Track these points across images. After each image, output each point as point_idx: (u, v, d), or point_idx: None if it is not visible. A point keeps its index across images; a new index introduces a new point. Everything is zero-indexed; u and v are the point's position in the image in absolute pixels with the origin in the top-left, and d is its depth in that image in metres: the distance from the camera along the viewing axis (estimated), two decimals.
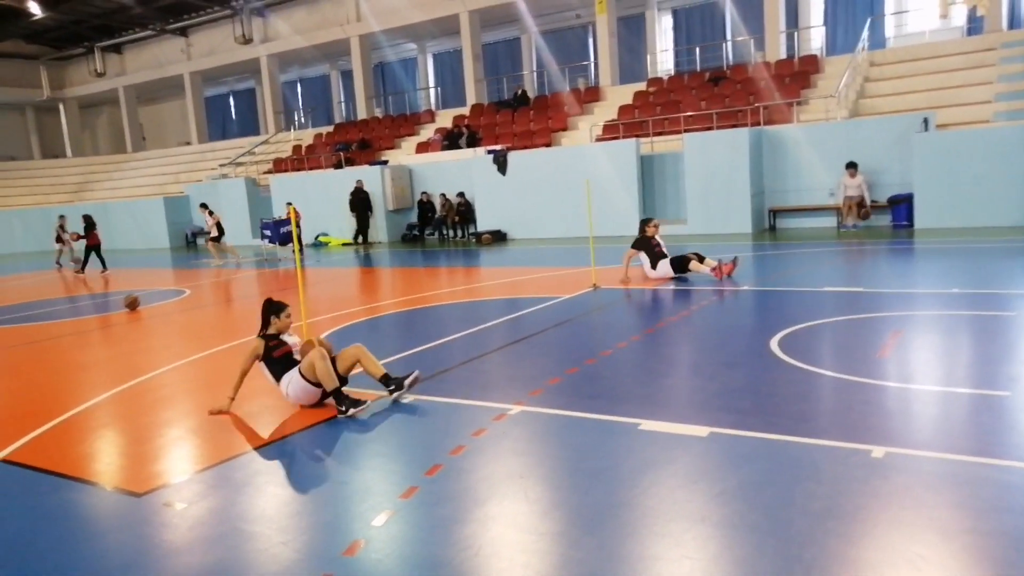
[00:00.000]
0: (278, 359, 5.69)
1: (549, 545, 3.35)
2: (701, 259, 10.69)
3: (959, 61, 18.77)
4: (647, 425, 4.76)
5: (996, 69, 17.93)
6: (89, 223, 19.55)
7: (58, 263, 21.43)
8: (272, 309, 5.81)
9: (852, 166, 15.96)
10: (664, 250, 10.99)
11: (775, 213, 17.64)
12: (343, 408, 5.36)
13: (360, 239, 21.76)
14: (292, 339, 5.90)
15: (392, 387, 5.66)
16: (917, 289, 8.99)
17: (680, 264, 10.73)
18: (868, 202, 15.96)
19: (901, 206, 15.72)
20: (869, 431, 4.43)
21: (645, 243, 11.02)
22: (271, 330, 5.81)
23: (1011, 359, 5.80)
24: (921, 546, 3.12)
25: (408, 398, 5.72)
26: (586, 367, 6.36)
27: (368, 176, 22.06)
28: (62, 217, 22.53)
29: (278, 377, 5.68)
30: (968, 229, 14.45)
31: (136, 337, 9.60)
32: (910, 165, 15.59)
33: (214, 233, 19.33)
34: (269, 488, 4.28)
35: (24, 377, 7.62)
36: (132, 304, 11.59)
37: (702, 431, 4.59)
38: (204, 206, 21.02)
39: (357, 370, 5.84)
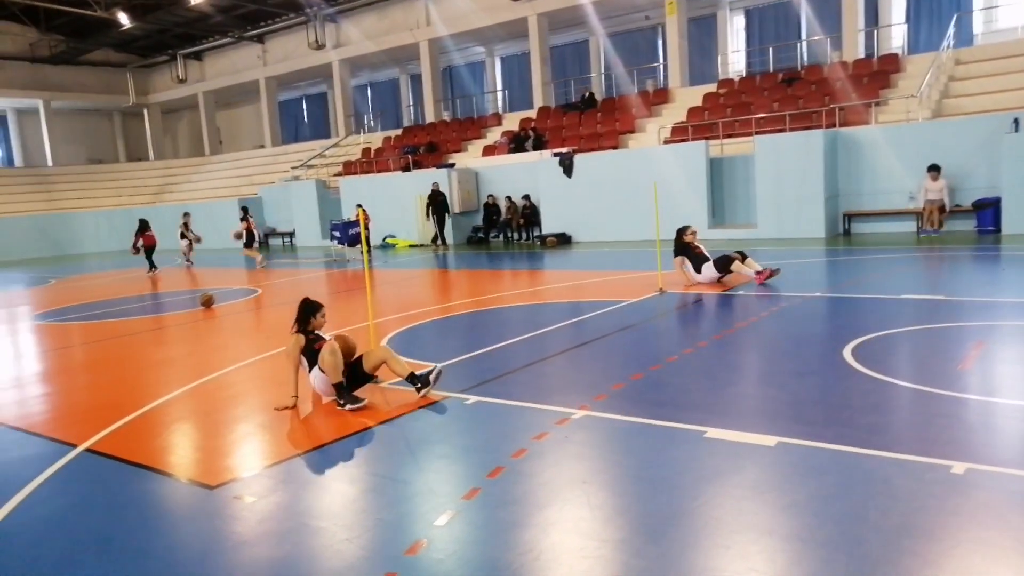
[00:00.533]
0: (316, 351, 5.96)
1: (611, 552, 3.31)
2: (744, 258, 10.60)
3: None
4: (713, 433, 4.66)
5: None
6: (143, 225, 20.37)
7: (188, 260, 21.73)
8: (311, 309, 6.12)
9: (934, 169, 15.32)
10: (706, 253, 10.89)
11: (850, 217, 17.08)
12: (341, 401, 5.69)
13: (438, 241, 21.76)
14: (326, 336, 6.21)
15: (419, 384, 5.84)
16: (1002, 298, 8.56)
17: (724, 264, 10.59)
18: (949, 207, 15.29)
19: (987, 211, 15.01)
20: (948, 445, 4.24)
21: (686, 249, 10.93)
22: (310, 327, 6.10)
23: None
24: (1003, 568, 2.96)
25: (471, 400, 5.75)
26: (651, 373, 6.28)
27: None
28: (187, 215, 22.48)
29: (311, 367, 6.01)
30: None
31: (210, 334, 9.94)
32: (998, 168, 14.89)
33: (245, 239, 19.91)
34: (334, 485, 4.36)
35: (106, 371, 7.97)
36: (207, 302, 12.00)
37: (770, 440, 4.47)
38: (245, 209, 21.54)
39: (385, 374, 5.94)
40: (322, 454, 4.86)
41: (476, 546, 3.46)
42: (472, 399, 5.77)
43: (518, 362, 6.96)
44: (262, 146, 37.14)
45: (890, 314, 8.08)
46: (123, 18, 30.42)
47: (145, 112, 41.60)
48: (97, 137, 42.56)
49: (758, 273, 10.44)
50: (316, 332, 6.14)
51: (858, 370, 5.86)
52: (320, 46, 32.30)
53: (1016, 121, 14.87)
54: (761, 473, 4.05)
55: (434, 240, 21.85)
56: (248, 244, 19.95)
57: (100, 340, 9.83)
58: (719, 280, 10.66)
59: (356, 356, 6.09)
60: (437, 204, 21.51)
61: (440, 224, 21.65)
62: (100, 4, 29.85)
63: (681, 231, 11.08)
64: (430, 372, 5.89)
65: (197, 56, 37.83)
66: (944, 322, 7.43)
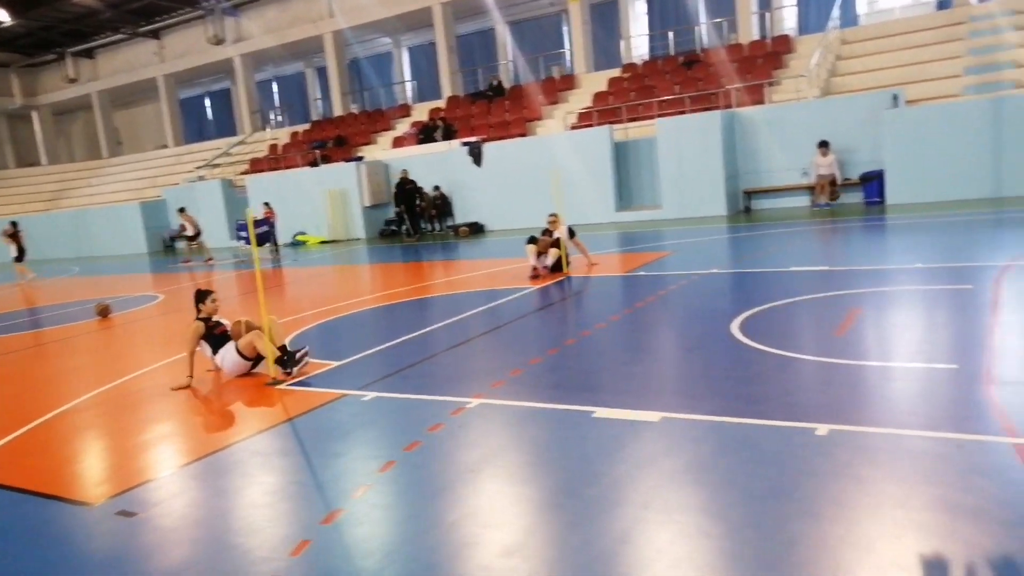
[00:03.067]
0: (218, 336, 6.68)
1: (497, 536, 3.38)
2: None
3: (929, 36, 18.88)
4: (601, 412, 4.80)
5: (965, 43, 18.04)
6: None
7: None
8: (200, 297, 6.80)
9: (824, 145, 16.05)
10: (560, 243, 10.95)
11: (749, 195, 17.71)
12: (288, 371, 6.36)
13: (410, 232, 20.78)
14: (224, 321, 6.88)
15: (288, 359, 6.44)
16: (881, 265, 9.07)
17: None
18: (839, 180, 16.05)
19: (872, 183, 15.83)
20: (816, 409, 4.49)
21: (544, 235, 11.04)
22: (203, 314, 6.75)
23: (962, 332, 5.88)
24: (851, 524, 3.17)
25: (369, 396, 5.74)
26: (549, 357, 6.40)
27: (343, 173, 21.99)
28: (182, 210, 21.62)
29: (215, 351, 6.64)
30: (939, 203, 14.57)
31: (101, 346, 9.56)
32: (881, 142, 15.69)
33: (190, 232, 20.09)
34: (222, 492, 4.29)
35: None
36: (103, 312, 11.53)
37: (655, 416, 4.63)
38: (182, 210, 21.04)
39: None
40: (212, 461, 4.77)
41: (362, 543, 3.47)
42: (370, 395, 5.76)
43: (420, 355, 6.98)
44: (164, 146, 35.78)
45: (779, 286, 8.45)
46: (2, 14, 28.69)
47: (34, 114, 39.43)
48: None
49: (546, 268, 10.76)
50: (216, 319, 6.75)
51: (743, 343, 6.12)
52: (220, 41, 31.28)
53: (895, 97, 15.69)
54: (643, 449, 4.19)
55: (408, 232, 20.83)
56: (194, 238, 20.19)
57: None
58: (550, 270, 10.78)
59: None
60: (406, 192, 20.66)
61: (410, 213, 20.69)
62: None
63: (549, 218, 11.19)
64: (297, 350, 6.51)
65: (88, 54, 36.06)
66: (827, 291, 7.83)
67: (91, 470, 4.87)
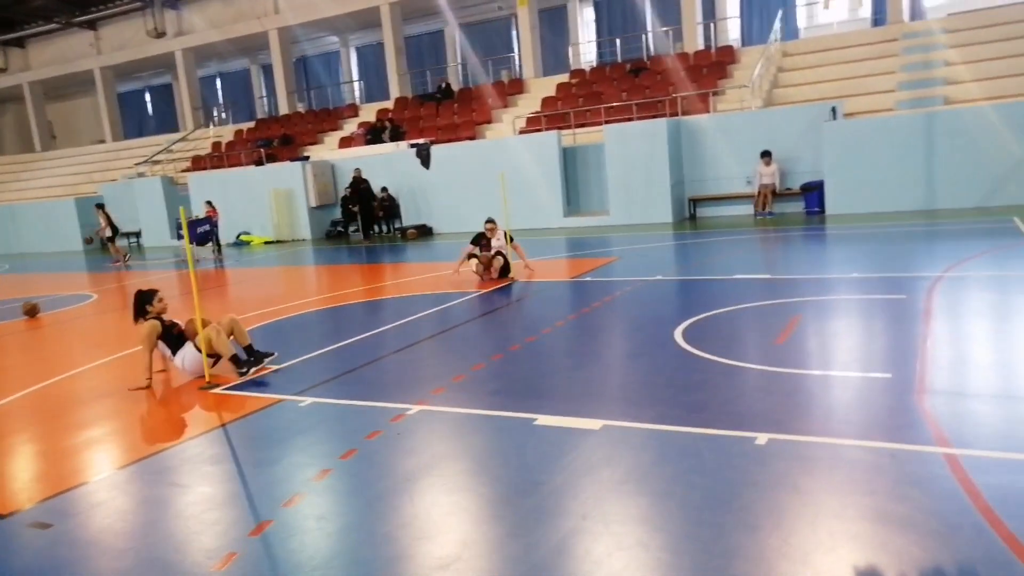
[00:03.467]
0: (176, 336, 6.48)
1: (429, 548, 3.29)
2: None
3: (864, 52, 19.43)
4: (543, 420, 4.75)
5: (898, 60, 18.63)
6: None
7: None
8: (146, 298, 6.51)
9: (766, 154, 16.37)
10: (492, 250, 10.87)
11: (695, 202, 17.96)
12: (244, 371, 6.27)
13: (365, 233, 20.35)
14: (179, 321, 6.70)
15: (251, 359, 6.43)
16: (821, 275, 9.26)
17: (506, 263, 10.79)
18: (779, 190, 16.39)
19: (813, 193, 16.20)
20: (755, 418, 4.52)
21: (481, 239, 11.01)
22: (152, 314, 6.47)
23: (897, 341, 6.01)
24: (788, 534, 3.18)
25: (306, 401, 5.59)
26: (492, 363, 6.33)
27: (288, 173, 21.57)
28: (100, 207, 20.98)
29: (174, 351, 6.45)
30: (875, 214, 14.99)
31: (27, 346, 9.14)
32: (821, 153, 16.07)
33: (108, 233, 19.81)
34: (144, 503, 4.10)
35: None
36: (31, 311, 11.05)
37: (595, 424, 4.60)
38: (100, 207, 20.63)
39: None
40: (138, 468, 4.56)
41: (292, 555, 3.34)
42: (307, 401, 5.60)
43: (361, 359, 6.83)
44: (102, 141, 34.57)
45: (722, 294, 8.54)
46: None
47: None
48: None
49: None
50: (168, 318, 6.56)
51: (686, 350, 6.15)
52: (160, 34, 30.41)
53: (834, 110, 16.10)
54: (583, 457, 4.15)
55: (364, 232, 20.38)
56: (112, 239, 19.89)
57: None
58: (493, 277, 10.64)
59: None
60: (360, 192, 20.03)
61: (364, 214, 20.09)
62: None
63: (486, 223, 11.11)
64: (267, 354, 6.51)
65: (19, 43, 34.63)
66: (769, 299, 7.94)
67: (6, 478, 4.61)
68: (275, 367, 6.61)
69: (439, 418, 5.03)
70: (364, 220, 20.27)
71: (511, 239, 11.06)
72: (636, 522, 3.40)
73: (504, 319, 8.45)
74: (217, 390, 6.06)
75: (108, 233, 19.86)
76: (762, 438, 4.17)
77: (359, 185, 20.12)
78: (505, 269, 10.74)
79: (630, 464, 4.01)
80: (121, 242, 21.14)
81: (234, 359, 6.30)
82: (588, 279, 10.38)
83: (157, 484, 4.34)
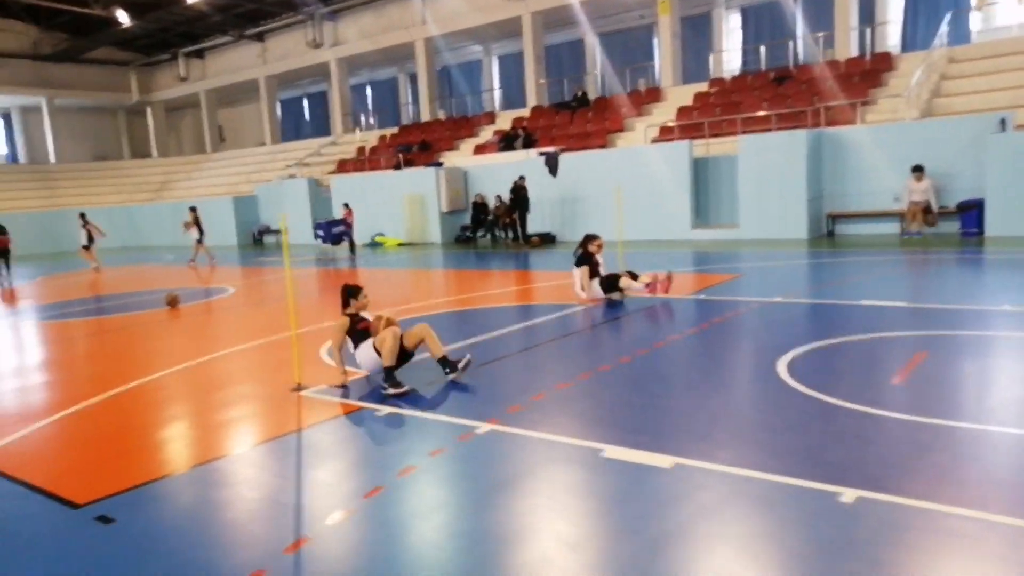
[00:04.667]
0: (361, 331, 6.48)
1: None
2: (635, 276, 9.78)
3: None
4: (611, 452, 4.48)
5: None
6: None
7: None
8: (351, 293, 6.65)
9: (918, 169, 15.02)
10: (601, 269, 10.02)
11: (834, 218, 16.78)
12: (385, 385, 5.97)
13: (516, 238, 20.19)
14: (367, 315, 6.69)
15: (447, 369, 6.23)
16: (964, 305, 8.30)
17: (610, 284, 9.82)
18: (935, 208, 14.98)
19: (971, 212, 14.70)
20: (846, 471, 4.02)
21: (588, 260, 9.97)
22: (351, 310, 6.57)
23: (1013, 387, 5.23)
24: None
25: (384, 411, 5.59)
26: (579, 382, 6.10)
27: (423, 178, 22.18)
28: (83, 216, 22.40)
29: (356, 346, 6.45)
30: None
31: (162, 335, 9.82)
32: (983, 169, 14.55)
33: (84, 241, 21.09)
34: (193, 507, 4.20)
35: (30, 376, 7.88)
36: (172, 302, 11.91)
37: (667, 462, 4.27)
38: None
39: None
40: (203, 471, 4.70)
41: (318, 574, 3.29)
42: (385, 410, 5.61)
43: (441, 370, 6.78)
44: (263, 143, 37.13)
45: (842, 322, 7.84)
46: (122, 16, 30.45)
47: (148, 110, 41.73)
48: (102, 134, 42.74)
49: (647, 286, 9.67)
50: (360, 313, 6.60)
51: (786, 384, 5.64)
52: (318, 45, 32.24)
53: (1003, 121, 14.53)
54: (645, 497, 3.85)
55: (516, 238, 20.17)
56: (87, 247, 21.22)
57: (51, 341, 9.75)
58: (604, 298, 9.90)
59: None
60: (520, 199, 19.92)
61: (522, 219, 19.90)
62: (99, 2, 29.91)
63: (589, 239, 10.09)
64: (459, 360, 6.25)
65: (199, 54, 37.87)
66: (895, 330, 7.20)
67: (81, 472, 4.89)
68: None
69: (507, 440, 4.86)
70: (522, 225, 19.97)
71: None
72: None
73: (603, 336, 8.17)
74: (305, 392, 6.20)
75: (85, 241, 21.17)
76: (849, 495, 3.70)
77: (520, 192, 19.86)
78: (614, 285, 10.06)
79: (692, 506, 3.67)
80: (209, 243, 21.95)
81: (387, 371, 6.01)
82: (703, 297, 9.87)
83: (214, 488, 4.45)
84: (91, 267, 20.87)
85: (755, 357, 6.65)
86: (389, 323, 6.33)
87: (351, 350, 6.51)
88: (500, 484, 4.21)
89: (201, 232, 21.12)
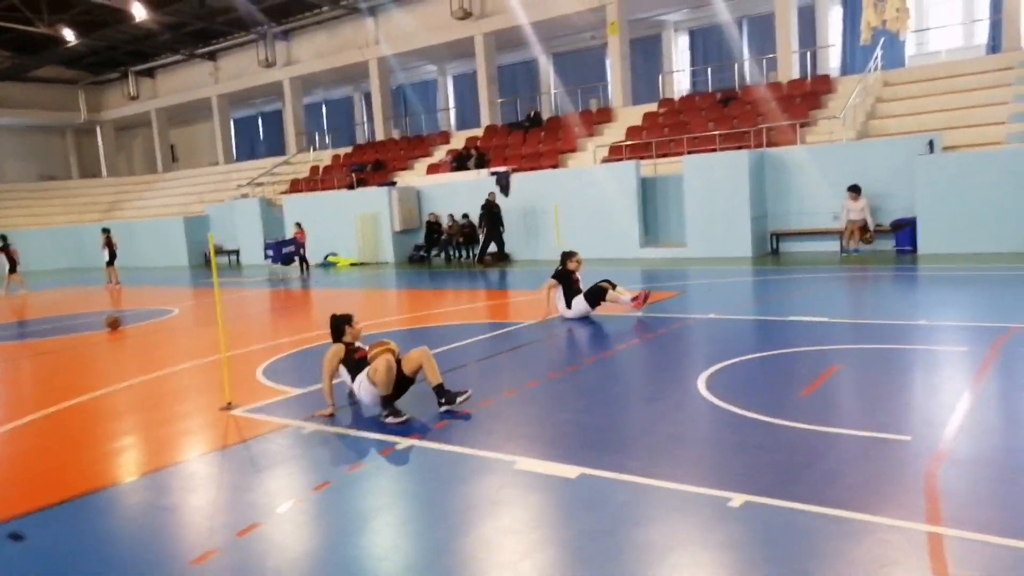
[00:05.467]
0: (357, 361, 6.05)
1: None
2: (614, 286, 9.80)
3: (975, 81, 18.21)
4: (524, 464, 4.61)
5: (1013, 89, 17.33)
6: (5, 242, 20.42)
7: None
8: (344, 320, 6.23)
9: (854, 189, 15.54)
10: (580, 286, 9.98)
11: (778, 236, 17.26)
12: (384, 413, 5.64)
13: (488, 256, 19.99)
14: (362, 344, 6.29)
15: (443, 399, 5.84)
16: (884, 320, 8.65)
17: (595, 296, 9.78)
18: (872, 226, 15.51)
19: (904, 231, 15.24)
20: (738, 478, 4.22)
21: (565, 277, 9.95)
22: (347, 339, 6.18)
23: (936, 399, 5.51)
24: None
25: (310, 428, 5.66)
26: (502, 400, 6.23)
27: (375, 197, 22.24)
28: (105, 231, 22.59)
29: (354, 378, 6.04)
30: (972, 255, 13.92)
31: (98, 357, 9.73)
32: (915, 189, 15.12)
33: (107, 258, 21.21)
34: (93, 530, 4.23)
35: None
36: (113, 324, 11.77)
37: (573, 472, 4.42)
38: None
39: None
40: (129, 485, 4.73)
41: None
42: (310, 428, 5.67)
43: None
44: (216, 163, 36.80)
45: (768, 337, 8.12)
46: (68, 34, 30.04)
47: (98, 129, 41.08)
48: (49, 154, 41.91)
49: (633, 299, 9.70)
50: (354, 343, 6.21)
51: (703, 397, 5.84)
52: (270, 64, 32.16)
53: (931, 143, 15.14)
54: (552, 506, 3.99)
55: (481, 257, 20.02)
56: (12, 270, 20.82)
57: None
58: (588, 315, 9.89)
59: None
60: (492, 216, 19.69)
61: (494, 237, 19.81)
62: (44, 20, 29.49)
63: (566, 256, 10.11)
64: (459, 393, 5.88)
65: (149, 73, 37.48)
66: (816, 345, 7.48)
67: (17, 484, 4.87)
68: (300, 390, 6.73)
69: (426, 454, 4.97)
70: (495, 241, 19.90)
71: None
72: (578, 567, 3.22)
73: (538, 353, 8.32)
74: (235, 411, 6.23)
75: (106, 257, 21.21)
76: (738, 499, 3.88)
77: (492, 209, 19.76)
78: (596, 300, 9.87)
79: (595, 514, 3.82)
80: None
81: (384, 400, 5.70)
82: (641, 314, 10.09)
83: (125, 508, 4.48)
84: (109, 284, 20.87)
85: (678, 372, 6.86)
86: (387, 350, 5.88)
87: (346, 380, 6.13)
88: (409, 495, 4.32)
89: (112, 255, 21.16)
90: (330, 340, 6.27)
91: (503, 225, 19.98)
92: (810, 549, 3.37)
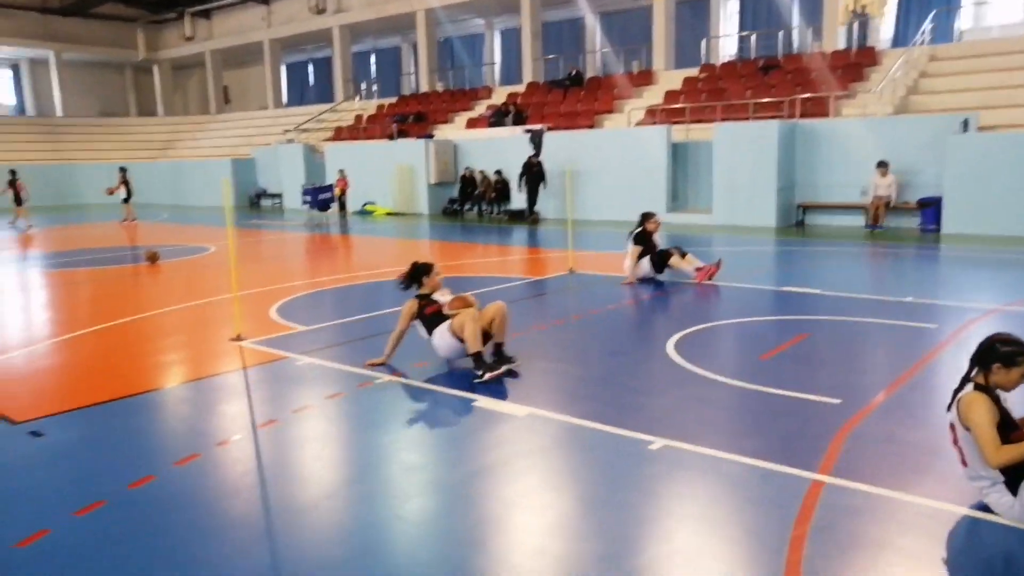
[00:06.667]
0: (429, 316, 5.99)
1: (308, 494, 3.81)
2: (683, 255, 9.90)
3: (1021, 59, 17.73)
4: (482, 403, 5.13)
5: None
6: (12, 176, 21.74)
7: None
8: (423, 271, 6.10)
9: (882, 165, 15.48)
10: (656, 247, 10.03)
11: (805, 209, 17.27)
12: (479, 372, 5.56)
13: (527, 214, 20.28)
14: (443, 297, 6.16)
15: (496, 358, 5.81)
16: (873, 295, 8.87)
17: (662, 260, 9.91)
18: (895, 202, 15.46)
19: (929, 209, 15.17)
20: (667, 425, 4.67)
21: (642, 238, 10.02)
22: (424, 290, 6.10)
23: (882, 369, 5.84)
24: (633, 526, 3.42)
25: (303, 360, 6.26)
26: (486, 347, 6.71)
27: (412, 149, 22.70)
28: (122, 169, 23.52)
29: (430, 332, 5.98)
30: (996, 238, 13.83)
31: (136, 287, 10.52)
32: (944, 168, 14.99)
33: (123, 195, 22.09)
34: (120, 426, 4.89)
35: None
36: (152, 258, 12.59)
37: (523, 411, 4.92)
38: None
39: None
40: (140, 398, 5.39)
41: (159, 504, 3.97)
42: (304, 360, 6.27)
43: (379, 329, 7.44)
44: (265, 107, 37.60)
45: (754, 305, 8.45)
46: None
47: (155, 68, 42.18)
48: (109, 90, 43.27)
49: (698, 270, 9.72)
50: (431, 295, 6.09)
51: (667, 356, 6.26)
52: (321, 11, 32.57)
53: (966, 122, 14.93)
54: (501, 439, 4.51)
55: (528, 213, 20.21)
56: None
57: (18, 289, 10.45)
58: (654, 278, 9.97)
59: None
60: (532, 174, 20.02)
61: (533, 195, 20.04)
62: None
63: (646, 217, 10.15)
64: (512, 357, 5.84)
65: (205, 15, 38.22)
66: (794, 314, 7.80)
67: (25, 397, 5.58)
68: (307, 327, 7.33)
69: (400, 389, 5.52)
70: (531, 200, 20.23)
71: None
72: (501, 499, 3.75)
73: (533, 307, 8.78)
74: (244, 343, 6.86)
75: (123, 194, 22.04)
76: (658, 443, 4.34)
77: (532, 169, 20.07)
78: (663, 264, 9.92)
79: (518, 449, 4.33)
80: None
81: (476, 356, 5.63)
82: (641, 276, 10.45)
83: (133, 414, 5.14)
84: (124, 220, 21.80)
85: (653, 332, 7.28)
86: (465, 304, 5.90)
87: (422, 335, 6.04)
88: (375, 422, 4.88)
89: (129, 192, 22.11)
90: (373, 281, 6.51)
91: (545, 183, 20.19)
92: (704, 487, 3.82)
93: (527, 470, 4.06)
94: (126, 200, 22.15)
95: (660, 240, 10.24)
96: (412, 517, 3.59)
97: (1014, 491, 3.38)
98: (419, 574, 3.06)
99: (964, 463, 3.56)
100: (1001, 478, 3.42)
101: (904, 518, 3.47)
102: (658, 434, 4.47)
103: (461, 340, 5.71)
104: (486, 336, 5.80)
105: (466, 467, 4.11)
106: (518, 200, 20.87)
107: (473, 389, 5.40)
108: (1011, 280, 9.77)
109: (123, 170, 22.92)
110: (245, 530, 3.49)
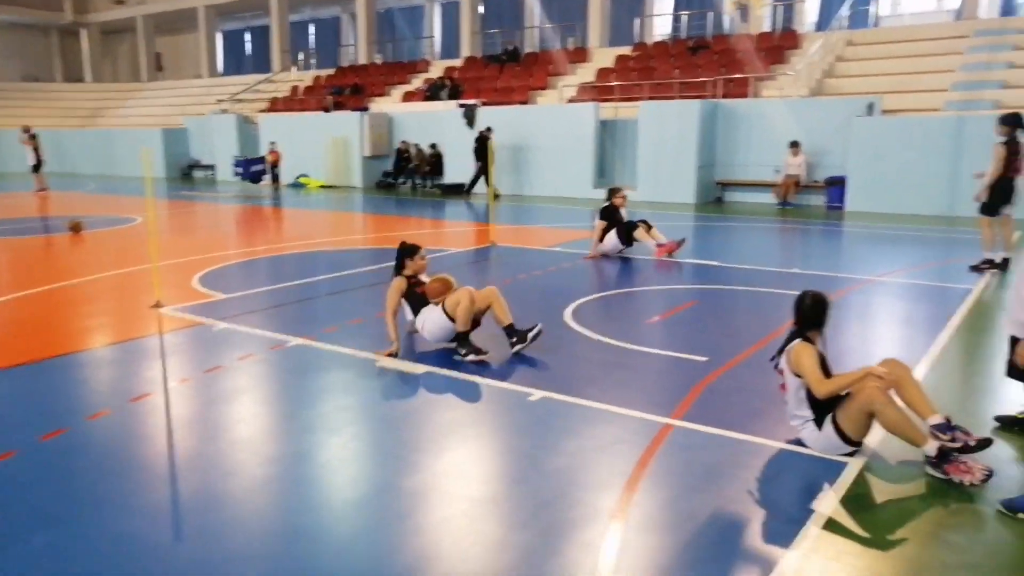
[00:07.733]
0: (420, 296, 5.92)
1: (226, 451, 4.20)
2: (649, 228, 10.09)
3: (930, 47, 18.78)
4: (384, 363, 5.56)
5: (961, 58, 17.95)
6: None
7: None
8: (407, 252, 6.03)
9: (795, 144, 16.31)
10: (622, 222, 10.14)
11: (723, 186, 18.06)
12: (463, 351, 5.56)
13: (470, 189, 20.16)
14: (424, 278, 6.10)
15: (514, 339, 5.73)
16: (764, 266, 9.56)
17: (628, 232, 10.01)
18: (804, 181, 16.35)
19: (835, 187, 16.09)
20: (548, 380, 5.19)
21: (610, 212, 10.15)
22: (407, 272, 6.00)
23: (750, 331, 6.48)
24: (510, 465, 3.91)
25: (220, 326, 6.58)
26: None
27: (348, 122, 22.75)
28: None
29: (416, 312, 5.92)
30: (893, 215, 14.80)
31: (58, 256, 10.58)
32: (848, 148, 15.90)
33: (33, 161, 21.29)
34: (38, 383, 5.18)
35: None
36: (76, 228, 12.57)
37: (420, 370, 5.38)
38: (27, 130, 21.89)
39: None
40: (63, 359, 5.66)
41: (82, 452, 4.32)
42: (221, 325, 6.60)
43: (300, 296, 7.79)
44: (199, 76, 36.83)
45: (654, 275, 9.04)
46: None
47: (83, 32, 40.78)
48: (32, 54, 41.63)
49: (659, 246, 9.92)
50: (417, 276, 6.03)
51: (563, 322, 6.78)
52: None
53: (871, 105, 15.83)
54: (377, 391, 4.96)
55: (469, 188, 20.11)
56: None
57: None
58: (620, 252, 10.13)
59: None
60: (486, 149, 18.83)
61: (485, 171, 19.02)
62: None
63: (613, 192, 10.32)
64: (528, 330, 5.75)
65: None
66: (690, 284, 8.42)
67: None
68: (227, 295, 7.62)
69: (307, 351, 5.91)
70: (485, 177, 19.31)
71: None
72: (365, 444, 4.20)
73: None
74: (163, 310, 7.13)
75: (32, 161, 21.32)
76: (537, 395, 4.85)
77: (485, 142, 19.60)
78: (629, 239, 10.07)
79: (415, 403, 4.79)
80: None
81: (461, 336, 5.61)
82: (557, 249, 10.98)
83: (54, 373, 5.42)
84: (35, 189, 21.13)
85: (557, 300, 7.77)
86: (447, 285, 5.85)
87: (408, 317, 5.97)
88: (279, 380, 5.28)
89: (39, 160, 21.29)
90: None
91: (492, 160, 20.18)
92: (570, 429, 4.35)
93: (419, 420, 4.52)
94: (36, 168, 21.38)
95: (625, 215, 10.43)
96: (294, 456, 4.01)
97: (820, 427, 4.01)
98: (295, 503, 3.50)
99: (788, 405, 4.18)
100: (811, 416, 4.04)
101: (734, 451, 4.06)
102: (536, 387, 4.99)
103: (453, 320, 5.64)
104: (475, 322, 5.76)
105: (356, 414, 4.55)
106: (451, 174, 21.20)
107: (370, 350, 5.81)
108: (894, 254, 10.61)
109: (32, 134, 21.46)
110: (150, 472, 3.87)
